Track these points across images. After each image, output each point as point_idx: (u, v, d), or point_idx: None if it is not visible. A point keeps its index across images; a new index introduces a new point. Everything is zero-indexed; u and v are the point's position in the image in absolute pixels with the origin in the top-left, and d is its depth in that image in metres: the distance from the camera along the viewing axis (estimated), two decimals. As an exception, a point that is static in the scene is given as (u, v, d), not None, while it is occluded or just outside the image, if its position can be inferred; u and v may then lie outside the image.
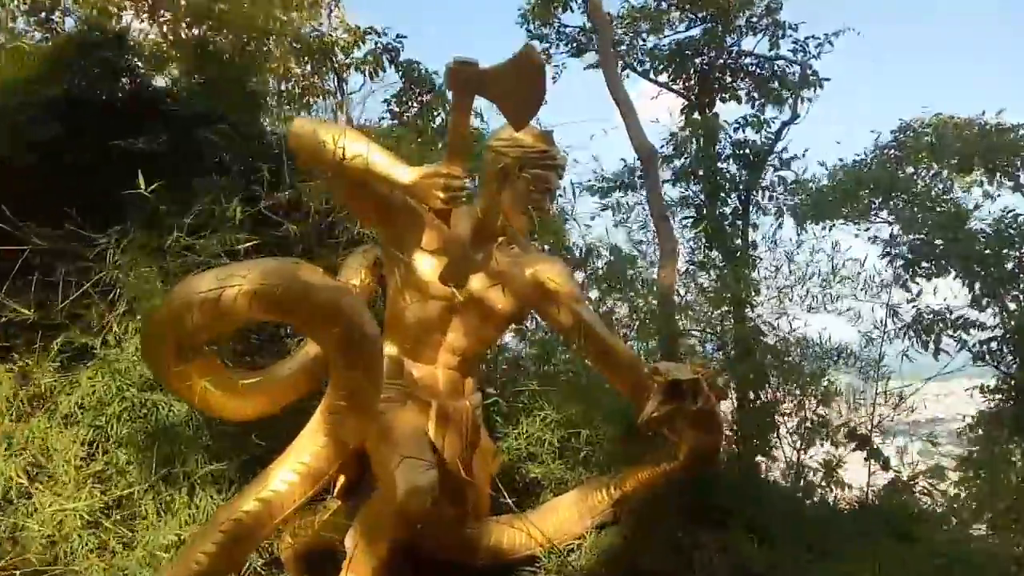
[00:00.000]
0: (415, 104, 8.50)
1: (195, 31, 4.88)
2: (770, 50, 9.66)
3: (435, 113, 8.47)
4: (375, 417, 2.63)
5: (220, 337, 2.51)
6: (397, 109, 8.52)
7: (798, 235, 6.58)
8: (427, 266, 2.81)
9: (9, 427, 3.53)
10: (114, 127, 3.55)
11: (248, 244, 3.31)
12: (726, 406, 3.46)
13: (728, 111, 9.52)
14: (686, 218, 8.08)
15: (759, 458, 4.25)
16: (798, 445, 4.30)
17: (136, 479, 3.47)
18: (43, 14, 5.78)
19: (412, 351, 2.92)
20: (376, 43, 8.58)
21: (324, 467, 2.60)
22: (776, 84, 9.41)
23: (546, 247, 4.15)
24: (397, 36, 8.75)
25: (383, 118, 8.91)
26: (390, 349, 2.92)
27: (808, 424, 4.32)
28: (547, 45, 10.12)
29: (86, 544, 3.33)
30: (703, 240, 7.62)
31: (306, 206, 3.61)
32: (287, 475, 2.59)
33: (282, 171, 3.63)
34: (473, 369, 3.08)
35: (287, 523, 2.75)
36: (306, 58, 8.32)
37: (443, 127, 8.31)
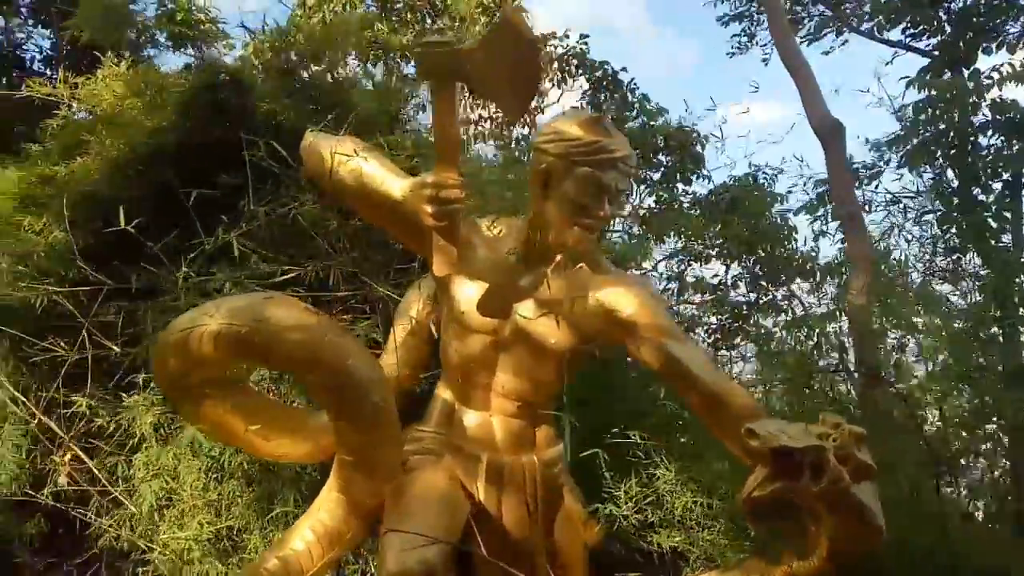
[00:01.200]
0: (611, 109, 7.92)
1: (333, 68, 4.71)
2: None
3: (632, 115, 7.85)
4: (388, 475, 2.21)
5: (218, 377, 2.20)
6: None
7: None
8: (467, 294, 2.32)
9: (151, 454, 3.64)
10: (223, 162, 3.50)
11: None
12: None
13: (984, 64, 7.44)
14: (924, 213, 6.48)
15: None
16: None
17: (242, 514, 3.41)
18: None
19: (462, 395, 2.45)
20: (557, 47, 8.08)
21: (341, 528, 2.29)
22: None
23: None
24: (581, 37, 8.19)
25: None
26: (444, 393, 2.51)
27: None
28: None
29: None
30: (951, 238, 5.99)
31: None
32: (305, 533, 2.33)
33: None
34: (545, 416, 2.49)
35: None
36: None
37: (642, 130, 7.71)
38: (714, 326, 6.64)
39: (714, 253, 6.88)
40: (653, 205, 7.77)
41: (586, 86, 8.03)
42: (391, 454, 2.21)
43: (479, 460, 2.37)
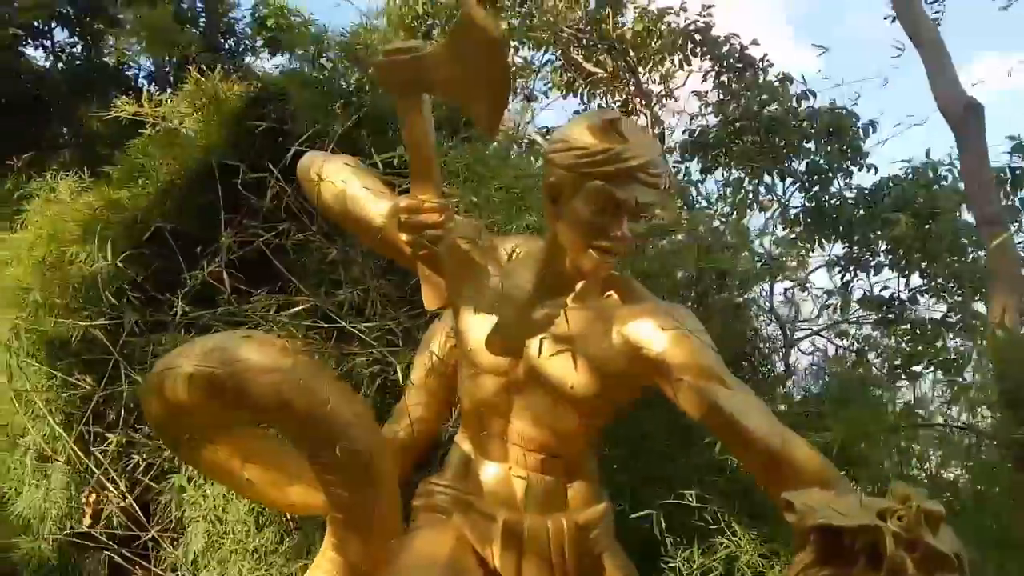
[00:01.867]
0: (742, 89, 7.18)
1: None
2: None
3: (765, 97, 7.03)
4: (384, 536, 1.94)
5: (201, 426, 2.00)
6: (722, 97, 7.25)
7: None
8: (476, 329, 2.04)
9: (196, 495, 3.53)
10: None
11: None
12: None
13: None
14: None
15: None
16: None
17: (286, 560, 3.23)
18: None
19: (479, 445, 2.16)
20: (674, 24, 7.32)
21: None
22: None
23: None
24: (704, 8, 7.36)
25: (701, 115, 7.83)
26: (463, 442, 2.23)
27: None
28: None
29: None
30: None
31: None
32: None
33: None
34: (579, 470, 2.14)
35: None
36: (601, 59, 7.55)
37: (785, 114, 6.85)
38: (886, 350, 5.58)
39: (886, 261, 6.07)
40: (805, 203, 6.95)
41: (708, 65, 7.33)
42: (386, 512, 1.93)
43: (494, 520, 2.06)
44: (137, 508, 3.32)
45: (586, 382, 1.94)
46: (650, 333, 1.90)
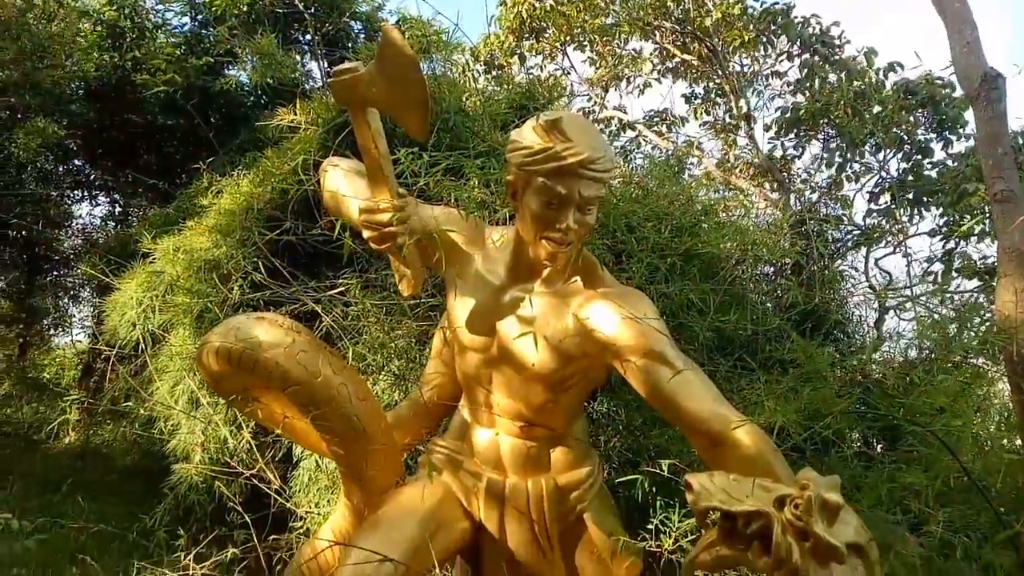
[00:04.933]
0: (827, 66, 6.82)
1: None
2: None
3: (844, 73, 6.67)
4: (379, 488, 2.22)
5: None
6: (805, 75, 6.92)
7: None
8: (460, 310, 2.24)
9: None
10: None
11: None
12: None
13: None
14: None
15: None
16: None
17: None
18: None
19: (472, 412, 2.37)
20: (752, 10, 7.15)
21: (352, 531, 2.34)
22: None
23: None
24: None
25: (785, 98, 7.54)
26: (462, 408, 2.47)
27: None
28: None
29: None
30: None
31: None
32: (327, 532, 2.42)
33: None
34: (562, 437, 2.29)
35: None
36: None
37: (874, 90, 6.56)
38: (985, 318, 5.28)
39: (989, 230, 5.61)
40: (902, 173, 6.69)
41: (791, 47, 7.12)
42: (378, 468, 2.21)
43: (479, 479, 2.27)
44: (253, 445, 3.82)
45: (545, 360, 2.09)
46: (602, 317, 2.01)
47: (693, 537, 2.31)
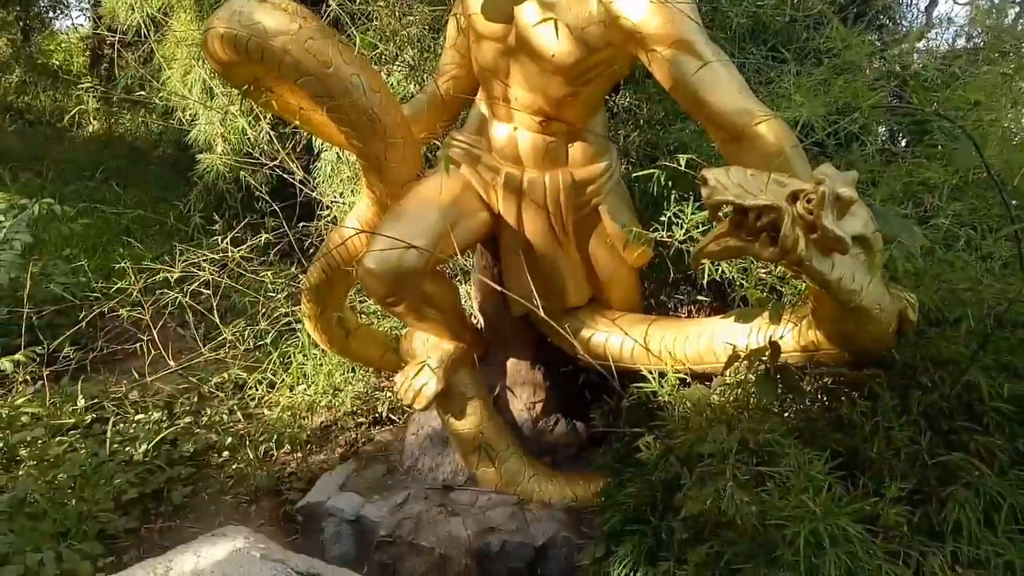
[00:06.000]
0: None
1: None
2: None
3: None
4: (399, 177, 2.26)
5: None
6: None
7: None
8: (476, -3, 2.05)
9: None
10: None
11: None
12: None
13: None
14: None
15: None
16: None
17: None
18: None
19: (489, 106, 2.31)
20: None
21: (375, 221, 2.42)
22: None
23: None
24: None
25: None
26: (480, 104, 2.40)
27: None
28: None
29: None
30: None
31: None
32: (352, 222, 2.53)
33: None
34: (580, 132, 2.25)
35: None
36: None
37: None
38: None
39: None
40: None
41: None
42: (397, 160, 2.21)
43: (498, 173, 2.29)
44: (273, 136, 3.84)
45: (567, 50, 1.97)
46: (630, 1, 1.85)
47: (704, 228, 2.38)
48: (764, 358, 1.93)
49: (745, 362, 1.99)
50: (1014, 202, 2.48)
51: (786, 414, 2.02)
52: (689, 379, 2.35)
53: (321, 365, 3.63)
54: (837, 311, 1.69)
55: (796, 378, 1.96)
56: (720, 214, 1.63)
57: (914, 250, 2.07)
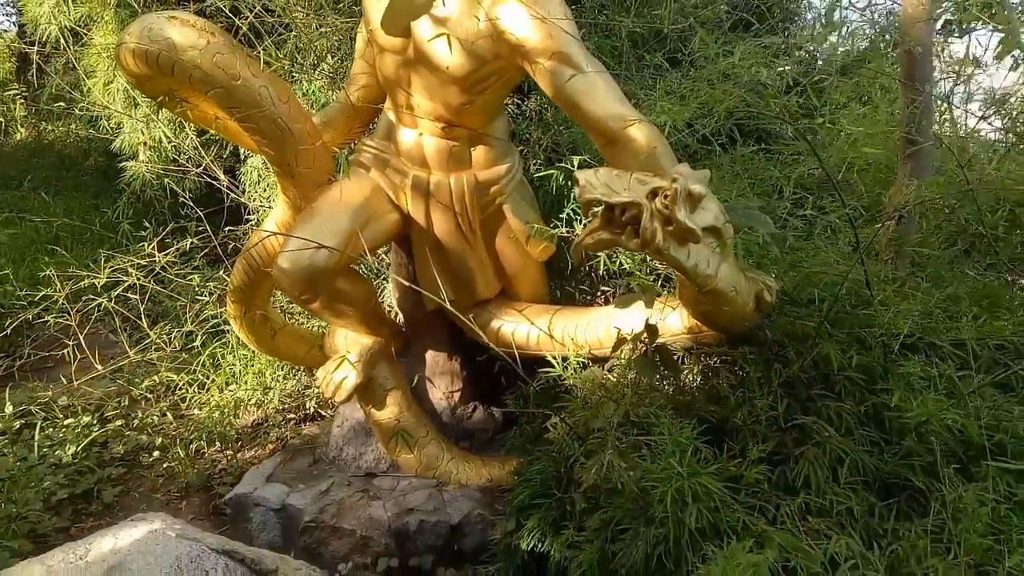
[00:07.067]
0: None
1: None
2: None
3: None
4: (310, 183, 2.40)
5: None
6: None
7: None
8: (375, 10, 2.20)
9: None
10: None
11: None
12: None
13: None
14: None
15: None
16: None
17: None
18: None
19: (396, 113, 2.45)
20: None
21: (291, 223, 2.54)
22: None
23: None
24: None
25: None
26: (388, 110, 2.53)
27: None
28: None
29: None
30: None
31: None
32: (270, 225, 2.65)
33: None
34: (481, 137, 2.43)
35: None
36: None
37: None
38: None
39: None
40: None
41: None
42: (308, 165, 2.35)
43: (405, 176, 2.44)
44: (199, 143, 3.91)
45: (459, 63, 2.14)
46: (512, 17, 2.03)
47: (597, 224, 2.58)
48: (644, 340, 2.14)
49: (631, 344, 2.20)
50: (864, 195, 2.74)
51: (668, 390, 2.24)
52: (589, 363, 2.54)
53: (251, 365, 3.72)
54: (696, 294, 1.89)
55: (673, 357, 2.17)
56: (593, 210, 1.83)
57: (770, 238, 2.29)
